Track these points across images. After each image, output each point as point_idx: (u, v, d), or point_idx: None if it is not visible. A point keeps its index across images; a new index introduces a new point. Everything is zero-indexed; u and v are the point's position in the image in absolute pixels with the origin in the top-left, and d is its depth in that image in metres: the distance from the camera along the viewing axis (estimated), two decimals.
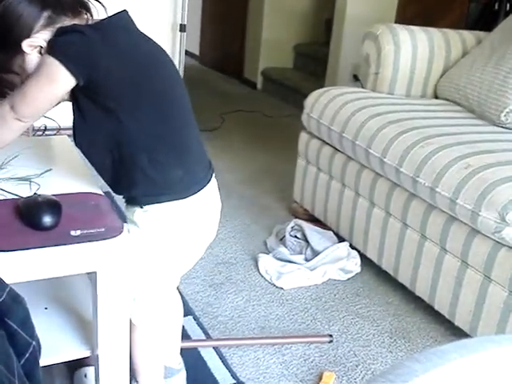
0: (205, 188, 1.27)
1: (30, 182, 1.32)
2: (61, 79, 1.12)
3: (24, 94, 1.16)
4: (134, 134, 1.17)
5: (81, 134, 1.19)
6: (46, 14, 1.15)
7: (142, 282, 1.27)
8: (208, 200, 1.30)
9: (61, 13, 1.16)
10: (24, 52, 1.16)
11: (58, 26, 1.16)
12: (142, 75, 1.19)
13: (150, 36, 1.26)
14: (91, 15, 1.21)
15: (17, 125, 1.19)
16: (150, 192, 1.21)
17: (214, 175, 1.32)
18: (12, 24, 1.14)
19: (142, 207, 1.22)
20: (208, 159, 1.33)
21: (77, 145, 1.22)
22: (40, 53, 1.16)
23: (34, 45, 1.15)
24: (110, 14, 1.21)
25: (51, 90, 1.15)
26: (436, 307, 1.94)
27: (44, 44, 1.15)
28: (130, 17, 1.23)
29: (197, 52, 6.31)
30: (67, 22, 1.17)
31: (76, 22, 1.18)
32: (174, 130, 1.23)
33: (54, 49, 1.13)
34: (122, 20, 1.22)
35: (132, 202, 1.24)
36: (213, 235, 1.35)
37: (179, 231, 1.26)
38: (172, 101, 1.25)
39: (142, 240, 1.23)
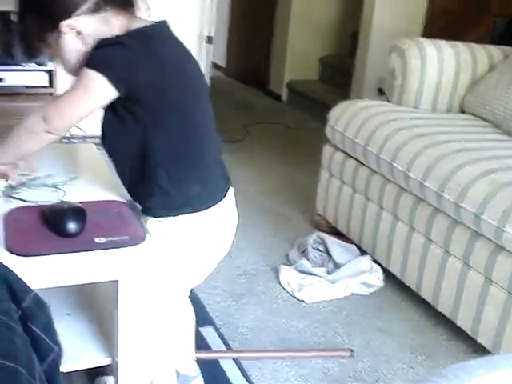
0: (221, 202, 1.27)
1: (57, 188, 1.33)
2: (102, 92, 1.12)
3: (60, 108, 1.16)
4: (158, 148, 1.17)
5: (108, 136, 1.20)
6: None
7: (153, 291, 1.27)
8: (224, 214, 1.30)
9: (109, 3, 1.15)
10: (61, 31, 1.14)
11: (102, 15, 1.14)
12: (177, 89, 1.19)
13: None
14: (135, 13, 1.20)
15: (47, 137, 1.19)
16: (165, 205, 1.22)
17: (231, 188, 1.32)
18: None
19: (156, 217, 1.23)
20: (226, 172, 1.33)
21: (103, 144, 1.22)
22: (78, 36, 1.15)
23: (72, 27, 1.14)
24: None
25: (90, 104, 1.15)
26: (458, 324, 1.91)
27: (83, 30, 1.14)
28: (169, 27, 1.23)
29: (222, 64, 6.34)
30: (110, 13, 1.15)
31: (120, 17, 1.17)
32: (196, 146, 1.23)
33: (96, 62, 1.12)
34: (163, 30, 1.22)
35: (147, 211, 1.25)
36: (226, 249, 1.35)
37: (192, 243, 1.26)
38: (198, 115, 1.25)
39: (153, 248, 1.23)
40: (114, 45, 1.12)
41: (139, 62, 1.12)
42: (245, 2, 5.88)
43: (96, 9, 1.14)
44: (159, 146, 1.18)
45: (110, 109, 1.17)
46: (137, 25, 1.18)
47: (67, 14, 1.13)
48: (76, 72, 1.20)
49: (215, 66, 5.94)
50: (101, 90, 1.12)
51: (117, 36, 1.15)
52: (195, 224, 1.24)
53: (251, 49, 5.81)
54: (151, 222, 1.23)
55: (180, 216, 1.22)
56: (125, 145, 1.19)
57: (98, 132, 1.21)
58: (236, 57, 6.16)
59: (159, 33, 1.20)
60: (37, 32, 1.17)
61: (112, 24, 1.16)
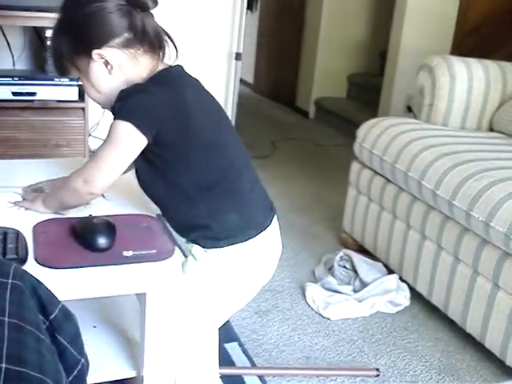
0: (264, 231, 1.28)
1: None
2: (133, 141, 1.14)
3: (98, 168, 1.17)
4: (189, 185, 1.20)
5: (142, 178, 1.23)
6: (127, 35, 1.17)
7: (189, 318, 1.27)
8: (267, 243, 1.30)
9: (140, 41, 1.18)
10: (91, 57, 1.18)
11: (131, 51, 1.18)
12: (201, 128, 1.21)
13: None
14: (163, 56, 1.23)
15: (90, 197, 1.22)
16: (208, 237, 1.23)
17: (275, 218, 1.32)
18: (95, 28, 1.16)
19: (202, 247, 1.24)
20: (270, 201, 1.33)
21: (139, 185, 1.25)
22: (105, 66, 1.18)
23: (102, 57, 1.17)
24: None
25: (126, 156, 1.17)
26: (487, 345, 1.88)
27: (111, 61, 1.18)
28: (185, 70, 1.26)
29: (251, 80, 6.38)
30: (139, 52, 1.19)
31: (147, 56, 1.20)
32: (228, 177, 1.24)
33: (123, 111, 1.14)
34: (183, 72, 1.25)
35: (192, 242, 1.26)
36: (269, 278, 1.36)
37: (237, 274, 1.27)
38: (224, 148, 1.27)
39: (199, 275, 1.24)
40: (139, 93, 1.15)
41: (164, 108, 1.15)
42: (273, 19, 5.92)
43: (127, 45, 1.18)
44: (190, 183, 1.19)
45: (140, 154, 1.19)
46: (160, 68, 1.22)
47: (100, 44, 1.17)
48: (97, 100, 1.25)
49: (243, 82, 5.97)
50: (132, 140, 1.14)
51: (140, 84, 1.18)
52: (241, 254, 1.24)
53: (279, 65, 5.84)
54: (198, 249, 1.24)
55: (225, 248, 1.23)
56: (158, 185, 1.22)
57: None
58: (264, 73, 6.19)
59: (180, 75, 1.24)
60: (68, 53, 1.21)
61: (139, 62, 1.20)
